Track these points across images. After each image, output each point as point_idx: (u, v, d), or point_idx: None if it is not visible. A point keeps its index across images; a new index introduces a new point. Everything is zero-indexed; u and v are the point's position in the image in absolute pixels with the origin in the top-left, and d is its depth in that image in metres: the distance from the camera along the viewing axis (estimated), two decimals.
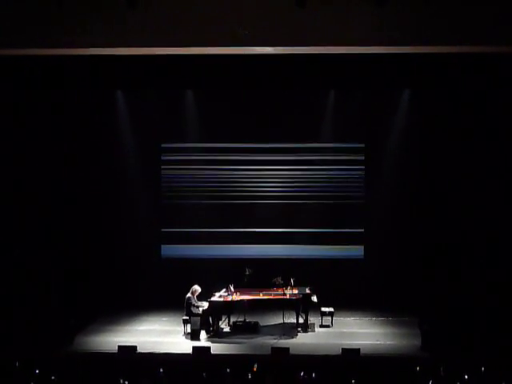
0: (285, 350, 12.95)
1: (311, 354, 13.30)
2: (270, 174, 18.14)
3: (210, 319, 14.89)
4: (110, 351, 13.41)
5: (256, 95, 17.46)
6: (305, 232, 18.09)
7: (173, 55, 12.84)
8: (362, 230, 18.05)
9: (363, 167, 18.04)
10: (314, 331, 15.25)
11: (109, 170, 17.71)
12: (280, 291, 15.27)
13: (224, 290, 15.28)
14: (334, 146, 18.05)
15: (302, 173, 18.09)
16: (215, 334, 14.77)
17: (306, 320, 15.28)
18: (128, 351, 12.97)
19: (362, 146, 17.99)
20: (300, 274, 15.70)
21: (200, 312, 14.79)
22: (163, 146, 18.18)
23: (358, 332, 15.20)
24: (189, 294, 14.92)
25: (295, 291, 15.26)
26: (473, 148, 16.37)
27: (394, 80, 16.71)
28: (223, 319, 15.34)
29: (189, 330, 14.75)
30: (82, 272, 16.66)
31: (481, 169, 16.25)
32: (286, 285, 15.31)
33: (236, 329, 15.16)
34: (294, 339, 14.64)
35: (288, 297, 15.11)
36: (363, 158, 18.00)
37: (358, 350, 12.78)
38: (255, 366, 11.15)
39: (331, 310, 15.56)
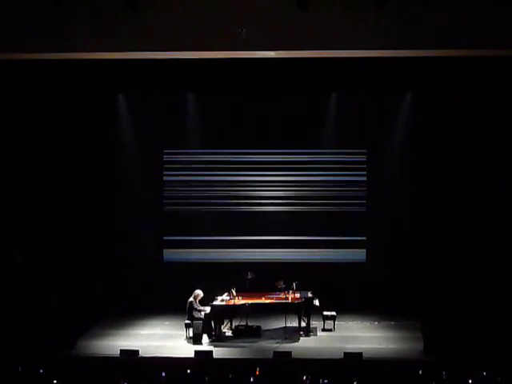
0: (287, 354, 12.94)
1: (313, 357, 13.30)
2: (272, 180, 18.12)
3: (212, 323, 14.89)
4: (112, 355, 13.41)
5: (258, 99, 17.46)
6: (307, 240, 18.08)
7: (174, 59, 12.85)
8: (365, 238, 18.03)
9: (365, 172, 18.02)
10: (316, 335, 15.25)
11: (111, 173, 17.72)
12: (282, 295, 15.26)
13: (226, 294, 15.28)
14: (336, 152, 18.05)
15: (304, 178, 18.07)
16: (217, 338, 14.76)
17: (308, 324, 15.27)
18: (130, 355, 12.97)
19: (364, 151, 17.98)
20: (302, 277, 15.68)
21: (202, 316, 14.78)
22: (166, 152, 18.17)
23: (360, 336, 15.19)
24: (191, 299, 14.92)
25: (297, 295, 15.25)
26: (475, 151, 16.34)
27: (395, 83, 16.73)
28: (225, 323, 15.33)
29: (191, 334, 14.73)
30: (83, 275, 16.64)
31: (483, 171, 16.23)
32: (288, 289, 15.30)
33: (238, 333, 15.14)
34: (296, 343, 14.63)
35: (290, 301, 15.10)
36: (365, 163, 17.99)
37: (361, 353, 12.78)
38: (258, 369, 11.13)
39: (333, 313, 15.55)
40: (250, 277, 15.64)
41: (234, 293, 15.15)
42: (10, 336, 13.87)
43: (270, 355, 13.03)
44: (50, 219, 16.36)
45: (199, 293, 15.04)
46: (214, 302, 15.04)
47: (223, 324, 15.18)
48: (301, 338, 14.95)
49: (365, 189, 18.05)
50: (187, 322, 14.85)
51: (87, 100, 16.86)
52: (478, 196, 16.22)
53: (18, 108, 15.86)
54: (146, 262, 17.93)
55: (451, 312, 14.78)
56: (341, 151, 18.05)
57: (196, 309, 14.85)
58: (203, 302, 15.08)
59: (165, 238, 18.27)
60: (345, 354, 12.82)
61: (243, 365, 12.22)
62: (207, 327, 14.80)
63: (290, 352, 13.01)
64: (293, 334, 15.05)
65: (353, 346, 13.93)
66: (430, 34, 11.57)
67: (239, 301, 15.03)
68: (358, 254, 18.05)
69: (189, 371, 11.28)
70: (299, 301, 15.09)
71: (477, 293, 15.28)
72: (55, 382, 10.59)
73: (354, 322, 16.29)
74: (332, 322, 15.54)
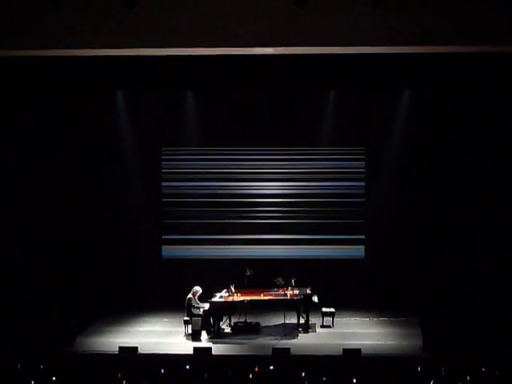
0: (286, 351, 12.93)
1: (312, 354, 13.29)
2: (270, 178, 18.12)
3: (211, 320, 14.89)
4: (111, 352, 13.39)
5: (256, 95, 17.45)
6: (305, 239, 18.08)
7: (173, 56, 12.84)
8: (363, 237, 18.03)
9: (363, 170, 18.01)
10: (315, 332, 15.26)
11: (109, 169, 17.73)
12: (281, 292, 15.28)
13: (225, 290, 15.29)
14: (334, 152, 18.03)
15: (303, 176, 18.05)
16: (216, 335, 14.78)
17: (306, 320, 15.27)
18: (129, 352, 12.96)
19: (362, 149, 17.96)
20: (301, 274, 15.69)
21: (201, 313, 14.79)
22: (164, 151, 18.16)
23: (359, 332, 15.20)
24: (190, 295, 14.92)
25: (296, 292, 15.26)
26: (474, 149, 16.36)
27: (393, 80, 16.72)
28: (224, 320, 15.33)
29: (190, 331, 14.74)
30: (82, 272, 16.66)
31: (482, 169, 16.25)
32: (286, 285, 15.31)
33: (237, 329, 15.15)
34: (295, 340, 14.65)
35: (289, 297, 15.11)
36: (363, 159, 17.97)
37: (359, 350, 12.77)
38: (257, 366, 11.13)
39: (332, 310, 15.56)
40: (248, 273, 15.65)
41: (233, 289, 15.15)
42: (10, 333, 13.86)
43: (269, 352, 13.01)
44: (49, 216, 16.40)
45: (198, 289, 15.04)
46: (213, 299, 15.04)
47: (222, 321, 15.19)
48: (299, 334, 14.96)
49: (363, 186, 18.03)
50: (186, 318, 14.86)
51: (85, 97, 16.87)
52: (478, 194, 16.27)
53: (16, 105, 15.89)
54: (144, 258, 17.93)
55: (450, 308, 14.81)
56: (339, 149, 18.02)
57: (195, 305, 14.85)
58: (202, 299, 15.09)
59: (163, 234, 18.26)
60: (344, 350, 12.81)
61: (242, 361, 12.22)
62: (206, 324, 14.81)
63: (289, 349, 13.00)
64: (292, 331, 15.06)
65: (352, 343, 13.93)
66: (429, 31, 11.56)
67: (238, 297, 15.04)
68: (357, 251, 18.05)
69: (188, 368, 11.27)
70: (298, 297, 15.09)
71: (476, 289, 15.33)
72: (54, 378, 10.59)
73: (353, 319, 16.30)
74: (331, 319, 15.55)
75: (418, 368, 11.10)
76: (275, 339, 14.58)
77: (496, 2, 11.43)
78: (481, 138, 16.24)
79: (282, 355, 12.77)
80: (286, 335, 14.83)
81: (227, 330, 15.26)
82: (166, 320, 16.27)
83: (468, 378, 10.57)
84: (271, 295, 15.24)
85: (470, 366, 11.11)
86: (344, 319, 16.12)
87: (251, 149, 18.05)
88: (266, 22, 11.55)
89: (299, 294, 15.19)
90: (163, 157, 18.19)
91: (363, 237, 18.05)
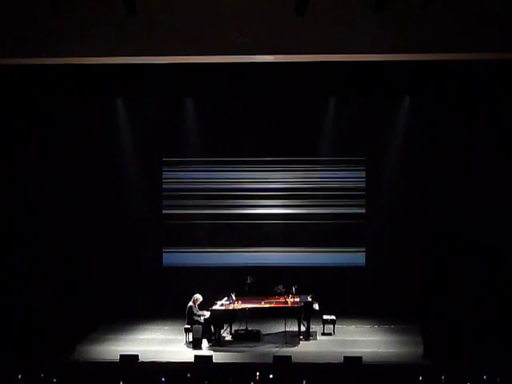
0: (287, 359, 12.91)
1: (313, 362, 13.26)
2: (271, 188, 18.12)
3: (212, 328, 14.88)
4: (111, 360, 13.37)
5: (256, 102, 17.47)
6: (306, 250, 18.09)
7: (173, 63, 12.87)
8: (364, 245, 18.01)
9: (364, 180, 18.00)
10: (316, 339, 15.24)
11: (110, 177, 17.73)
12: (282, 299, 15.26)
13: (225, 298, 15.28)
14: (335, 161, 18.05)
15: (303, 186, 18.05)
16: (217, 343, 14.75)
17: (307, 328, 15.25)
18: (130, 360, 12.94)
19: (362, 158, 17.98)
20: (301, 281, 15.69)
21: (202, 321, 14.78)
22: (165, 160, 18.17)
23: (359, 340, 15.19)
24: (190, 303, 14.91)
25: (297, 299, 15.25)
26: (474, 157, 16.37)
27: (393, 87, 16.74)
28: (225, 328, 15.30)
29: (190, 339, 14.72)
30: (82, 280, 16.65)
31: (482, 175, 16.25)
32: (287, 293, 15.30)
33: (238, 337, 15.14)
34: (296, 347, 14.62)
35: (290, 305, 15.09)
36: (363, 165, 17.98)
37: (360, 357, 12.75)
38: (257, 374, 11.12)
39: (333, 317, 15.54)
40: (249, 281, 15.62)
41: (234, 297, 15.14)
42: (10, 341, 13.85)
43: (270, 360, 12.99)
44: (50, 225, 16.40)
45: (198, 297, 15.03)
46: (214, 307, 15.03)
47: (223, 329, 15.16)
48: (300, 342, 14.94)
49: (364, 195, 18.03)
50: (187, 326, 14.84)
51: (85, 105, 16.89)
52: (478, 199, 16.27)
53: (16, 114, 15.91)
54: (145, 266, 17.92)
55: (451, 316, 14.79)
56: (339, 159, 18.03)
57: (195, 313, 14.84)
58: (202, 307, 15.08)
59: (164, 242, 18.24)
60: (344, 358, 12.80)
61: (243, 369, 12.21)
62: (207, 332, 14.79)
63: (290, 356, 12.97)
64: (292, 339, 15.04)
65: (352, 350, 13.90)
66: (429, 38, 11.57)
67: (239, 305, 15.02)
68: (358, 258, 18.04)
69: (188, 376, 11.26)
70: (299, 305, 15.08)
71: (476, 297, 15.30)
72: None
73: (354, 326, 16.28)
74: (332, 326, 15.53)
75: (419, 376, 11.09)
76: (276, 347, 14.56)
77: (496, 10, 11.45)
78: (481, 143, 16.24)
79: (283, 363, 12.75)
80: (286, 343, 14.81)
81: (228, 337, 15.24)
82: (167, 328, 16.26)
83: None
84: (272, 303, 15.23)
85: (470, 373, 11.11)
86: (345, 327, 16.10)
87: (252, 159, 18.04)
88: (266, 29, 11.56)
89: (300, 302, 15.17)
90: (164, 165, 18.18)
91: (363, 248, 18.04)
